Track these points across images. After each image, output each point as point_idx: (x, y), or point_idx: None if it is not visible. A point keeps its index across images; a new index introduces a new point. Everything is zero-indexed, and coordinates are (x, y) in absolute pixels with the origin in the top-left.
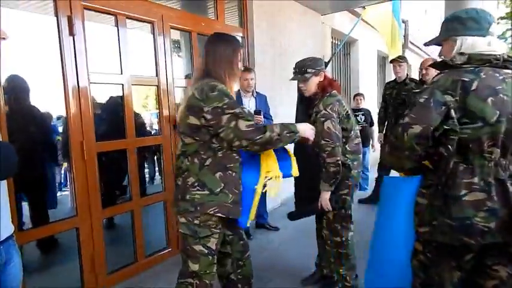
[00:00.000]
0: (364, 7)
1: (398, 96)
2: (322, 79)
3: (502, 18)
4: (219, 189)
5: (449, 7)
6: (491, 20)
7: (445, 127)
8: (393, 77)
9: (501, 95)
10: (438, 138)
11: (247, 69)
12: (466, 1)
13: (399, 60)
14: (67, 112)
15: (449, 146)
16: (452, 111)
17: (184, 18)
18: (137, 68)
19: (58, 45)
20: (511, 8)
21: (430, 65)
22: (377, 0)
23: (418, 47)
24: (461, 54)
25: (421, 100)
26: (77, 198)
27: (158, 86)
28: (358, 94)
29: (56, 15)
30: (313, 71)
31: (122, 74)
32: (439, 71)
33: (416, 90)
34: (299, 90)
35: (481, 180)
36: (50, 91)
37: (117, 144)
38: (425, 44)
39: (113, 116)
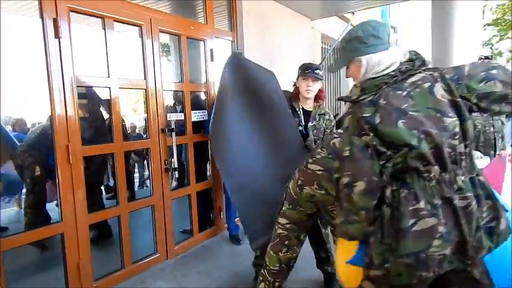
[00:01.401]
0: (353, 12)
1: None
2: (320, 87)
3: (488, 24)
4: None
5: (435, 11)
6: (388, 29)
7: (381, 162)
8: None
9: (410, 113)
10: None
11: None
12: (451, 1)
13: None
14: (52, 115)
15: (384, 175)
16: (379, 147)
17: (174, 21)
18: (125, 71)
19: (43, 48)
20: (497, 14)
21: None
22: (366, 5)
23: None
24: (355, 86)
25: (346, 154)
26: (61, 203)
27: (146, 90)
28: None
29: (42, 17)
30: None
31: (109, 77)
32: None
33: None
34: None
35: (427, 203)
36: (35, 94)
37: (103, 148)
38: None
39: (100, 119)
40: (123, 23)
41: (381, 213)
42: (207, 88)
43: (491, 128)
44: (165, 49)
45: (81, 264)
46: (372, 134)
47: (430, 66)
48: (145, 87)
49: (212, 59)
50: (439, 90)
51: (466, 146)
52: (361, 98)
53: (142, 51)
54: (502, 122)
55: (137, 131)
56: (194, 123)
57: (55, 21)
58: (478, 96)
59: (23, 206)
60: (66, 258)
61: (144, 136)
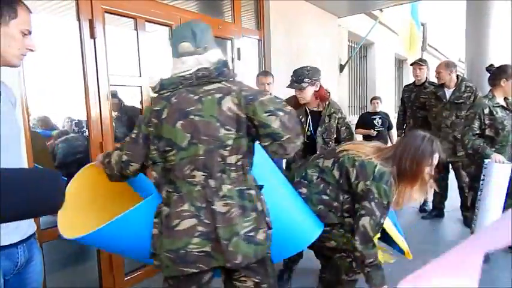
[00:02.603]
0: (381, 10)
1: (416, 99)
2: (317, 89)
3: None
4: None
5: (470, 11)
6: (177, 41)
7: (150, 156)
8: (411, 80)
9: (192, 116)
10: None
11: (265, 72)
12: (487, 1)
13: (420, 63)
14: (87, 113)
15: (155, 172)
16: (151, 145)
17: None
18: (156, 70)
19: (80, 48)
20: None
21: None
22: (395, 2)
23: (436, 50)
24: (161, 80)
25: (133, 135)
26: None
27: None
28: (375, 97)
29: (78, 19)
30: (310, 80)
31: (140, 76)
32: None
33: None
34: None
35: (191, 206)
36: (72, 92)
37: None
38: None
39: (131, 117)
40: (154, 23)
41: (160, 210)
42: None
43: None
44: None
45: (113, 258)
46: (152, 129)
47: (235, 78)
48: None
49: (239, 58)
50: (228, 103)
51: (238, 160)
52: (160, 91)
53: None
54: None
55: None
56: None
57: (91, 22)
58: (258, 121)
59: None
60: (99, 251)
61: None
